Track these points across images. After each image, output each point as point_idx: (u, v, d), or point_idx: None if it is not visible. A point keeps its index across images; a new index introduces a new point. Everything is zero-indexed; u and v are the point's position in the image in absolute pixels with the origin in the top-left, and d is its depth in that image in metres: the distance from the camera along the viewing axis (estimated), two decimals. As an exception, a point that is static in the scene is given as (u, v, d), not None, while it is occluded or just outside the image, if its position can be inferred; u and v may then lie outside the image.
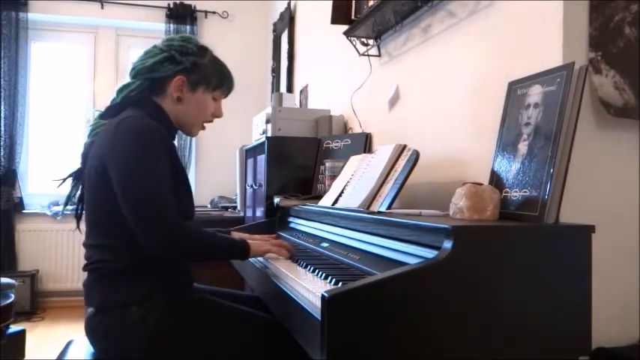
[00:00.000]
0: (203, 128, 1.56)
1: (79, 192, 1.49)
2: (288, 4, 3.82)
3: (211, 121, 1.56)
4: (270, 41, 4.45)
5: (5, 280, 2.76)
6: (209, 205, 4.15)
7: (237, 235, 1.71)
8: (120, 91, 1.44)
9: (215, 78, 1.49)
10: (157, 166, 1.27)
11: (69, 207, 1.55)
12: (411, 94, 1.98)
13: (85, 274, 1.38)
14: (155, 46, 1.47)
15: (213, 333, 1.31)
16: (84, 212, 1.43)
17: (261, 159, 2.52)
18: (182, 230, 1.26)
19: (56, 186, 1.53)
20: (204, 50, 1.50)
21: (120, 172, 1.26)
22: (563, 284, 1.01)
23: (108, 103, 1.47)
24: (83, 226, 1.43)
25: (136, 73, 1.44)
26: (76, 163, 1.49)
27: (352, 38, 2.27)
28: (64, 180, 1.52)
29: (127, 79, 1.46)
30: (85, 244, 1.39)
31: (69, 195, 1.51)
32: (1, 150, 4.08)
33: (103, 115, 1.45)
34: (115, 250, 1.32)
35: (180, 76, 1.43)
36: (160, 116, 1.43)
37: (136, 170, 1.25)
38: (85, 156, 1.44)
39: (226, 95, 1.57)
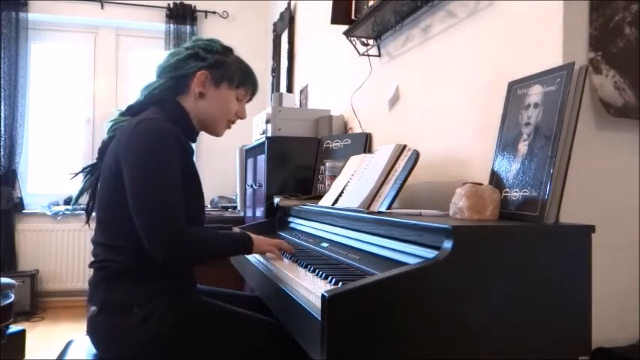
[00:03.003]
0: (229, 127, 1.55)
1: (90, 187, 1.49)
2: (288, 4, 3.82)
3: (234, 122, 1.55)
4: (270, 41, 4.45)
5: (5, 280, 2.76)
6: (209, 205, 4.15)
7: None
8: (144, 89, 1.45)
9: (238, 75, 1.50)
10: (168, 172, 1.27)
11: (70, 206, 1.55)
12: (411, 94, 1.98)
13: (91, 271, 1.38)
14: (181, 46, 1.50)
15: (214, 335, 1.31)
16: (94, 209, 1.42)
17: (261, 159, 2.52)
18: (186, 238, 1.26)
19: (69, 178, 1.53)
20: (229, 50, 1.52)
21: (131, 175, 1.26)
22: (563, 284, 1.01)
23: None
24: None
25: (160, 71, 1.45)
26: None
27: (352, 38, 2.27)
28: (77, 174, 1.52)
29: (152, 79, 1.47)
30: (93, 241, 1.39)
31: (81, 189, 1.50)
32: (1, 150, 4.08)
33: (124, 113, 1.46)
34: (122, 251, 1.32)
35: (203, 71, 1.44)
36: (181, 117, 1.43)
37: (146, 175, 1.25)
38: (102, 151, 1.44)
39: (250, 97, 1.57)
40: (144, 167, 1.26)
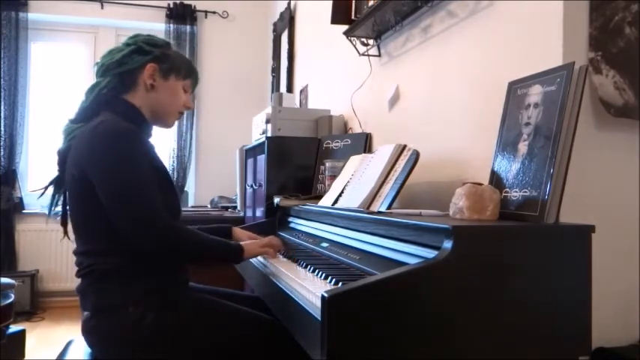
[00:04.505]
0: (178, 118, 1.56)
1: (61, 199, 1.47)
2: (288, 4, 3.81)
3: (183, 113, 1.57)
4: (270, 41, 4.44)
5: (5, 280, 2.75)
6: (209, 205, 4.15)
7: (238, 232, 1.71)
8: (90, 91, 1.42)
9: (184, 68, 1.51)
10: (138, 168, 1.27)
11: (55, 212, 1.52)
12: (411, 94, 1.98)
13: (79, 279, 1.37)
14: (120, 43, 1.48)
15: (211, 332, 1.31)
16: (69, 220, 1.41)
17: (261, 159, 2.52)
18: (175, 228, 1.27)
19: (37, 197, 1.52)
20: (168, 44, 1.52)
21: (103, 178, 1.26)
22: (563, 284, 1.01)
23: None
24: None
25: (104, 70, 1.42)
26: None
27: (352, 38, 2.27)
28: (45, 189, 1.49)
29: (95, 79, 1.44)
30: (75, 253, 1.37)
31: (50, 203, 1.49)
32: (1, 150, 4.08)
33: (75, 120, 1.42)
34: (104, 253, 1.31)
35: (151, 63, 1.43)
36: (134, 115, 1.41)
37: (119, 174, 1.25)
38: (62, 162, 1.42)
39: (193, 89, 1.58)
40: (113, 169, 1.25)
